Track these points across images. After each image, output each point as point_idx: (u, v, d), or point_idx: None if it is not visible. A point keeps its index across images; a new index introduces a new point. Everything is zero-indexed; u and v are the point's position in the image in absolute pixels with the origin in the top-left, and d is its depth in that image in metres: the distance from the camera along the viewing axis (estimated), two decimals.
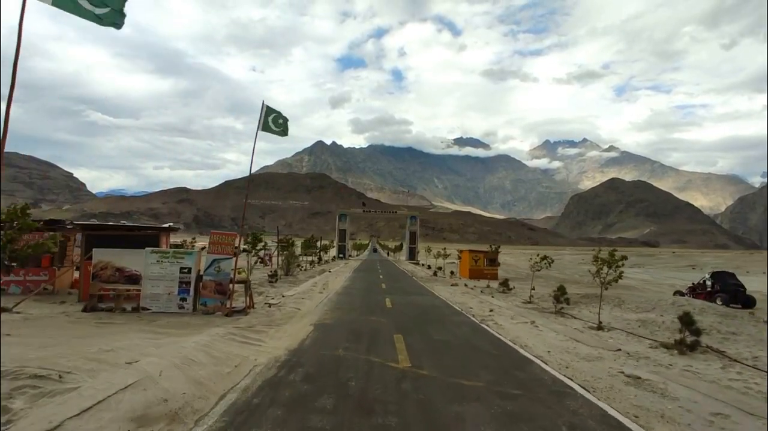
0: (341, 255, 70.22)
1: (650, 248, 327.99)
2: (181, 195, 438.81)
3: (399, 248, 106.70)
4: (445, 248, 49.73)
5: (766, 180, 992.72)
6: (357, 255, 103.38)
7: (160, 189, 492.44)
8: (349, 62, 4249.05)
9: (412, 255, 73.23)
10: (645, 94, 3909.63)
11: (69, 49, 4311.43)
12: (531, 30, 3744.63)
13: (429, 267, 44.10)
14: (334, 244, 76.95)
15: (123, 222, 17.68)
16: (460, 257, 36.44)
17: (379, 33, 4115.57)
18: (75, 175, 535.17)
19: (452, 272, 35.47)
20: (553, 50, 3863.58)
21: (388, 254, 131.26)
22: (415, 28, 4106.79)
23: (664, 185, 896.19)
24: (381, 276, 30.99)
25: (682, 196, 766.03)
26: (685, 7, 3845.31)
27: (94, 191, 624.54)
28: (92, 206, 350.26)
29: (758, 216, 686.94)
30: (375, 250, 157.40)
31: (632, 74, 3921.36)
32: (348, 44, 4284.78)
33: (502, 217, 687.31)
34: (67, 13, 5.53)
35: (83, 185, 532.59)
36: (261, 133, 11.65)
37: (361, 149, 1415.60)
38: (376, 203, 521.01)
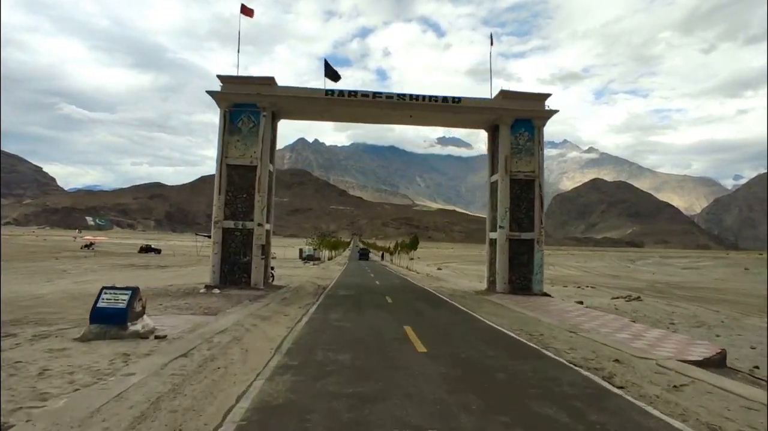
0: (212, 287, 18.62)
1: (636, 248, 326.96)
2: (153, 190, 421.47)
3: (402, 247, 71.31)
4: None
5: (737, 182, 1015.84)
6: (331, 258, 78.29)
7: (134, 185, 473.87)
8: (334, 61, 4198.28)
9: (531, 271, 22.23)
10: (623, 98, 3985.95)
11: (44, 41, 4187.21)
12: (514, 33, 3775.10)
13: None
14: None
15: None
16: None
17: (364, 33, 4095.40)
18: (46, 170, 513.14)
19: None
20: (536, 53, 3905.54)
21: (383, 256, 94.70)
22: (400, 28, 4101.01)
23: (641, 186, 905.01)
24: None
25: (658, 197, 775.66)
26: (662, 14, 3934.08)
27: (66, 187, 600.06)
28: (57, 200, 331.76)
29: (733, 217, 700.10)
30: (364, 253, 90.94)
31: (611, 78, 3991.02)
32: (332, 43, 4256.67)
33: (484, 216, 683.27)
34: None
35: (53, 179, 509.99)
36: None
37: (343, 146, 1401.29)
38: (359, 200, 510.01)
